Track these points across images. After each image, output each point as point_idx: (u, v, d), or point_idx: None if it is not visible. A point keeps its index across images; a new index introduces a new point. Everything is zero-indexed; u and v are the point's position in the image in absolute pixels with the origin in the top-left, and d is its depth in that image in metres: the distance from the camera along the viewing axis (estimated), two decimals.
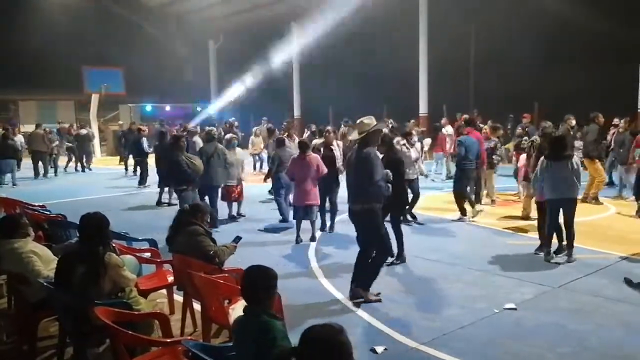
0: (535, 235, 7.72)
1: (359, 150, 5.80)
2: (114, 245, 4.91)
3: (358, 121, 5.96)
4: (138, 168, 15.79)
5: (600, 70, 17.01)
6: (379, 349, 4.66)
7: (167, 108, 29.37)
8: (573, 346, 4.70)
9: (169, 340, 3.72)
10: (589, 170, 11.10)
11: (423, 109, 22.22)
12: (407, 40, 21.50)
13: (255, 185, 13.04)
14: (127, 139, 18.57)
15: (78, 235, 4.73)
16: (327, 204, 9.13)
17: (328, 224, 9.18)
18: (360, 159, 5.73)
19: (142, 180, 15.04)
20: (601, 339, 4.83)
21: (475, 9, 19.09)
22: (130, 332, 3.56)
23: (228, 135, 11.53)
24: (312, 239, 8.42)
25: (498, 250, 7.71)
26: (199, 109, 30.17)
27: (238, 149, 10.68)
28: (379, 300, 5.77)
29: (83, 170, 19.93)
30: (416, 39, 21.96)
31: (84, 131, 20.70)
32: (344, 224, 9.19)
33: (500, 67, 19.91)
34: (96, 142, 25.08)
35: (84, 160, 20.19)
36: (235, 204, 10.44)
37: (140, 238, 6.57)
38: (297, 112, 27.78)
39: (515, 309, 5.50)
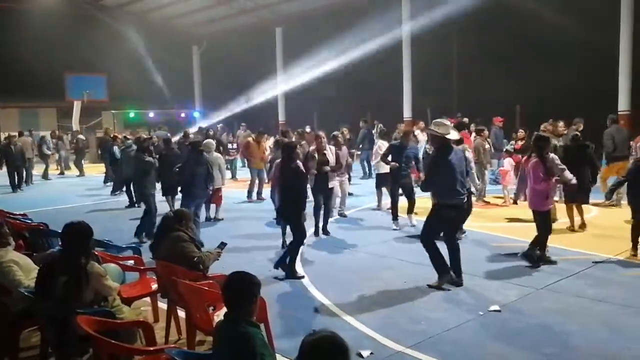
0: (520, 237, 7.77)
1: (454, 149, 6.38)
2: (96, 253, 4.86)
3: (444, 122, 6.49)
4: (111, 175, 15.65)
5: (582, 73, 17.23)
6: (365, 353, 4.65)
7: (151, 114, 29.16)
8: (557, 347, 4.74)
9: (152, 349, 3.68)
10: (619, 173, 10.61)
11: (407, 113, 22.32)
12: (391, 43, 21.60)
13: (238, 190, 13.01)
14: (103, 146, 18.51)
15: (60, 244, 4.67)
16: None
17: (321, 224, 9.14)
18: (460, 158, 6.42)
19: (116, 188, 14.89)
20: (585, 339, 4.88)
21: (457, 12, 19.24)
22: (112, 341, 3.52)
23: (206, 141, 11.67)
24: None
25: (482, 252, 7.75)
26: (182, 114, 30.04)
27: (216, 154, 11.07)
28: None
29: (82, 174, 20.02)
30: (400, 43, 22.08)
31: (82, 137, 20.88)
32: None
33: (483, 70, 20.07)
34: None
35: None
36: (213, 208, 10.72)
37: (123, 245, 6.51)
38: (281, 118, 27.76)
39: (499, 310, 5.54)
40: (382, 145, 11.10)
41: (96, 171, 21.18)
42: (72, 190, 16.29)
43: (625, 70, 17.03)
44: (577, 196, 8.76)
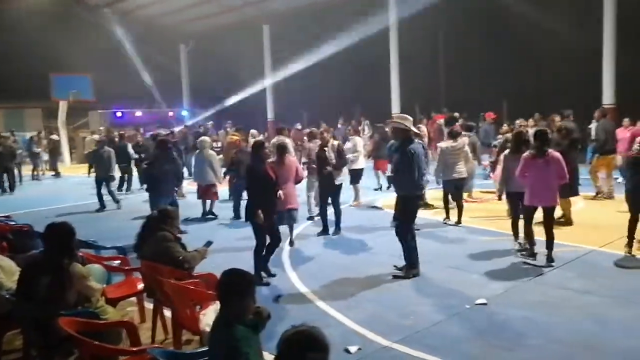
0: (508, 231, 7.79)
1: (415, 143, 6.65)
2: (81, 254, 4.82)
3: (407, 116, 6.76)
4: (125, 175, 15.34)
5: (567, 68, 17.34)
6: (353, 349, 4.66)
7: (139, 114, 28.98)
8: (542, 338, 4.77)
9: (135, 349, 3.66)
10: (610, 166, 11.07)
11: (395, 108, 22.34)
12: (378, 40, 21.61)
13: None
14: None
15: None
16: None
17: (332, 229, 8.93)
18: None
19: (129, 187, 15.05)
20: (569, 330, 4.92)
21: (443, 8, 19.29)
22: (95, 342, 3.50)
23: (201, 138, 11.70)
24: (291, 243, 8.29)
25: (470, 247, 7.79)
26: (170, 113, 29.89)
27: (210, 151, 11.06)
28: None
29: (58, 176, 20.10)
30: (387, 40, 22.10)
31: (56, 137, 21.12)
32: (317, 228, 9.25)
33: (470, 66, 20.15)
34: (65, 149, 25.04)
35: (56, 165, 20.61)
36: (208, 203, 10.84)
37: (108, 246, 6.47)
38: (270, 115, 27.68)
39: (485, 304, 5.57)
40: (357, 143, 11.16)
41: (84, 171, 21.06)
42: (60, 191, 16.18)
43: (609, 64, 17.15)
44: (571, 189, 8.50)
